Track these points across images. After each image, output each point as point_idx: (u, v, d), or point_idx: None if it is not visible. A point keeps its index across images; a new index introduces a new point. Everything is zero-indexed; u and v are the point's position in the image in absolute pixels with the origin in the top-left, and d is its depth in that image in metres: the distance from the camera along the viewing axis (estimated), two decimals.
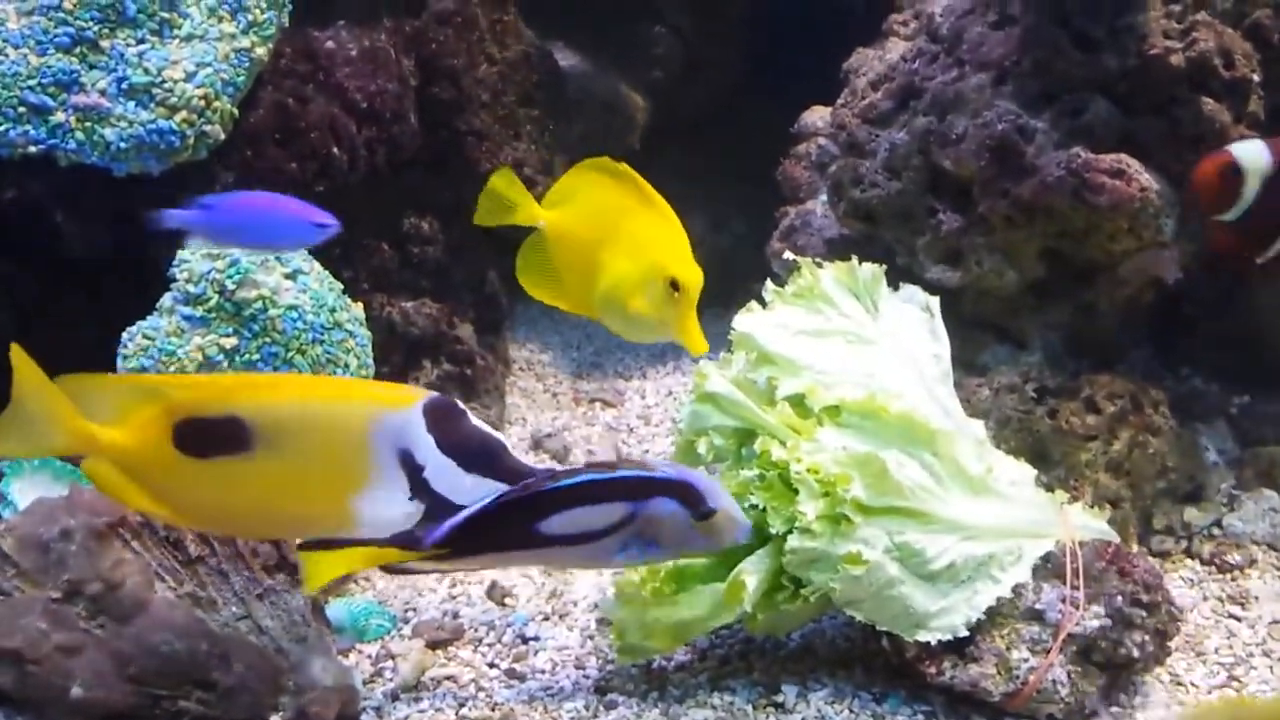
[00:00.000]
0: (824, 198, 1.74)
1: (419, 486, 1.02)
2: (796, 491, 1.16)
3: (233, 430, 0.99)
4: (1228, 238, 1.37)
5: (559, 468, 1.14)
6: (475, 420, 1.03)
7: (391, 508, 1.02)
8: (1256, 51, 1.49)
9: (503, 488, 1.05)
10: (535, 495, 1.06)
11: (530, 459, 1.77)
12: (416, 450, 1.00)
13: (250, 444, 0.99)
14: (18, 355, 0.99)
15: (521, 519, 1.07)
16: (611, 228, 1.14)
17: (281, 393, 1.01)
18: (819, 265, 1.32)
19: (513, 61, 2.07)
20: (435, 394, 1.03)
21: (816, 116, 1.88)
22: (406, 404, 1.00)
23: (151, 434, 1.00)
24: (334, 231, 1.19)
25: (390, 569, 1.11)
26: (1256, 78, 1.47)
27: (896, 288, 1.34)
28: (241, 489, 1.01)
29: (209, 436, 0.99)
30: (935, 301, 1.34)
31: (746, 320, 1.28)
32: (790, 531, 1.15)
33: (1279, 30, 1.51)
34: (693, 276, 1.12)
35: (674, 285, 1.11)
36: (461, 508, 1.05)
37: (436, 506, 1.03)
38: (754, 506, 1.19)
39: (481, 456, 1.02)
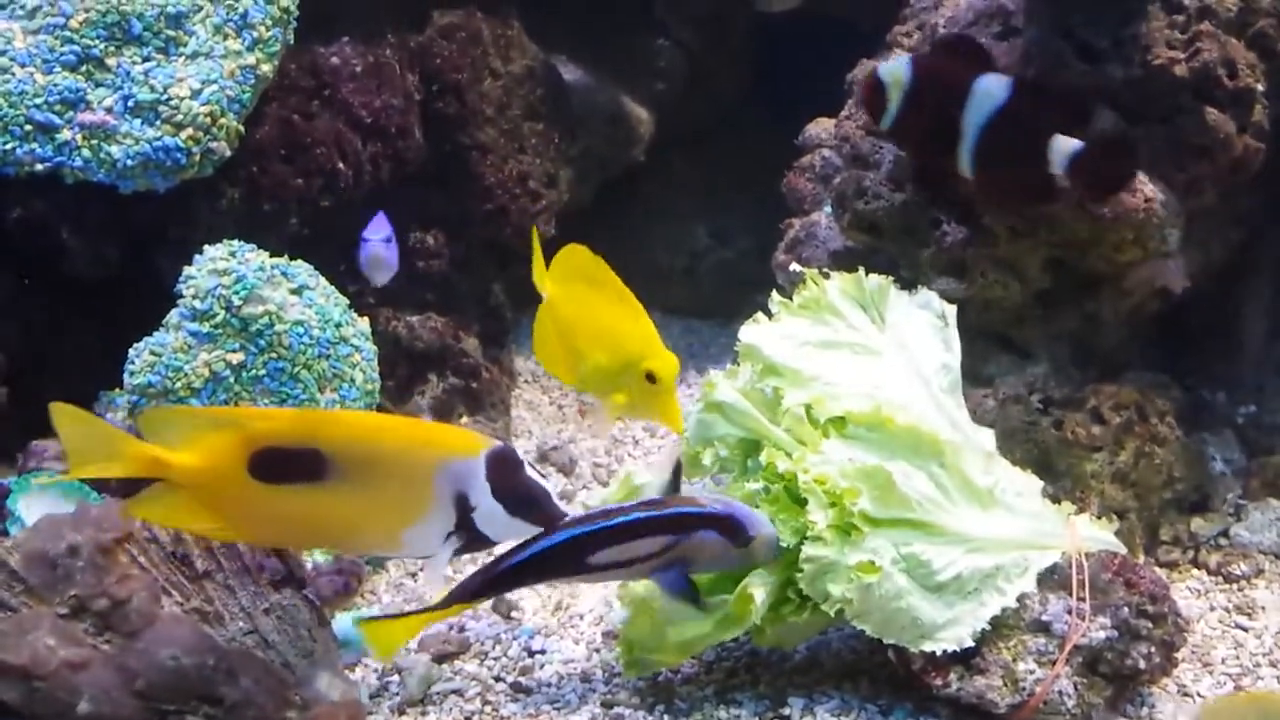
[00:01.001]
0: (828, 210, 1.74)
1: (465, 524, 1.10)
2: (804, 503, 1.16)
3: (312, 460, 1.07)
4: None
5: (612, 507, 1.19)
6: (530, 470, 1.11)
7: (432, 539, 1.10)
8: (1260, 61, 1.49)
9: (536, 529, 1.12)
10: (590, 535, 1.15)
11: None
12: (472, 494, 1.09)
13: (325, 474, 1.07)
14: (57, 410, 1.07)
15: (573, 555, 1.16)
16: (588, 318, 1.23)
17: (360, 430, 1.10)
18: (826, 276, 1.32)
19: (517, 75, 2.08)
20: (500, 444, 1.11)
21: (820, 129, 1.88)
22: (473, 452, 1.09)
23: (227, 460, 1.08)
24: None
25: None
26: (1260, 87, 1.47)
27: (914, 291, 1.35)
28: (305, 513, 1.09)
29: (287, 465, 1.08)
30: (951, 310, 1.33)
31: (752, 331, 1.28)
32: (800, 543, 1.15)
33: None
34: (667, 367, 1.20)
35: (650, 377, 1.19)
36: (494, 543, 1.13)
37: (473, 541, 1.11)
38: None
39: (527, 502, 1.10)
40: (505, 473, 1.09)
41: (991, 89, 1.38)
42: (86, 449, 1.08)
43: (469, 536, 1.10)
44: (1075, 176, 1.36)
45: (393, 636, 1.17)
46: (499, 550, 1.19)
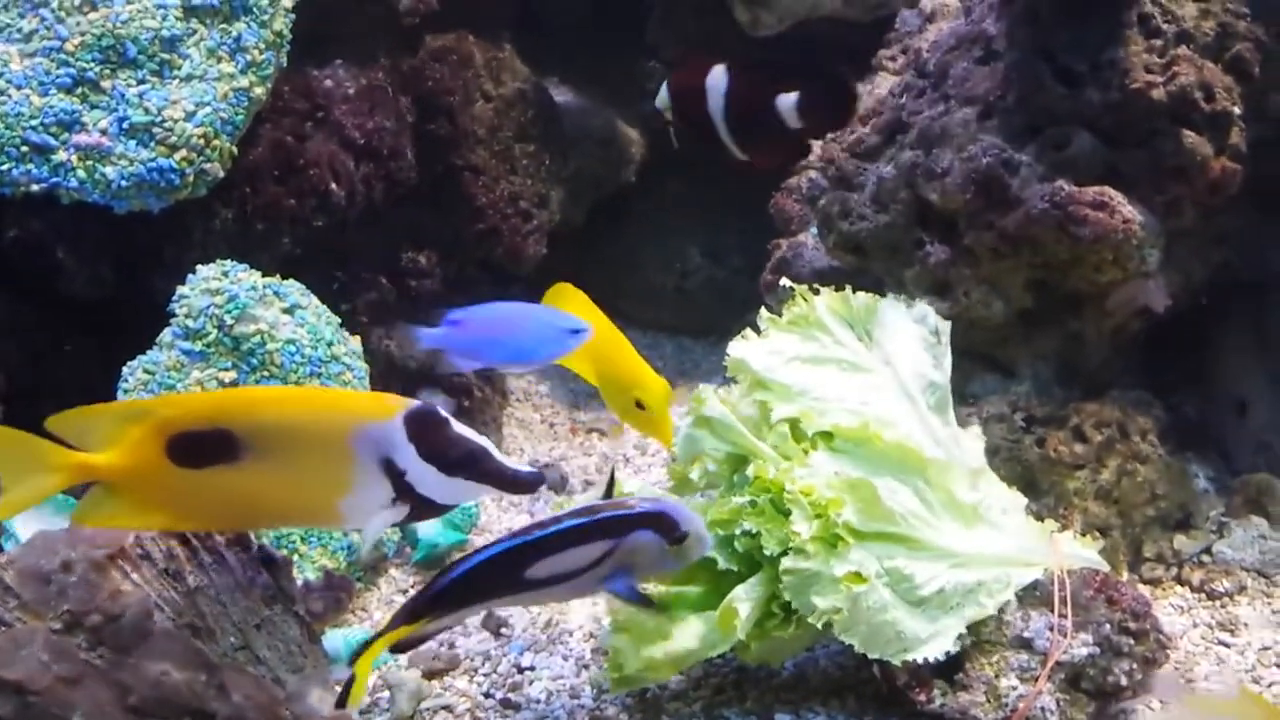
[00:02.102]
0: (814, 230, 1.77)
1: (402, 489, 1.07)
2: (789, 514, 1.17)
3: (223, 441, 1.05)
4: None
5: (544, 518, 1.19)
6: (458, 427, 1.08)
7: (375, 509, 1.08)
8: (1238, 84, 1.51)
9: (483, 488, 1.09)
10: (521, 547, 1.14)
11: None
12: (397, 457, 1.06)
13: (240, 454, 1.05)
14: None
15: (508, 570, 1.14)
16: (591, 349, 1.28)
17: (267, 406, 1.08)
18: (815, 293, 1.33)
19: (509, 98, 2.10)
20: (417, 403, 1.08)
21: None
22: (387, 415, 1.06)
23: (146, 452, 1.06)
24: (587, 338, 1.25)
25: (399, 648, 1.19)
26: (1237, 110, 1.49)
27: (911, 303, 1.35)
28: (235, 494, 1.07)
29: (200, 448, 1.06)
30: (945, 326, 1.34)
31: (741, 347, 1.29)
32: (784, 554, 1.16)
33: (1260, 63, 1.53)
34: (654, 395, 1.28)
35: (639, 405, 1.28)
36: (444, 507, 1.11)
37: (420, 507, 1.09)
38: (746, 532, 1.20)
39: (464, 460, 1.07)
40: (427, 432, 1.06)
41: (716, 82, 1.61)
42: (18, 469, 1.07)
43: (412, 502, 1.08)
44: (805, 119, 1.58)
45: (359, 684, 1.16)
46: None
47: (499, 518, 1.70)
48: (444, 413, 1.09)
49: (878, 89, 1.77)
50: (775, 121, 1.58)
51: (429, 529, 1.58)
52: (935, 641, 1.18)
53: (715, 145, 1.65)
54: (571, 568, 1.14)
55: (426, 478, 1.06)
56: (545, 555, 1.14)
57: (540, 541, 1.14)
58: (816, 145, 1.83)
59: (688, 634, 1.22)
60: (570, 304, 1.29)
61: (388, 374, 1.80)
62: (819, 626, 1.15)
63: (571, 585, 1.16)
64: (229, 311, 1.48)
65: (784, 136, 1.60)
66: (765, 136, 1.62)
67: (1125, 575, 1.46)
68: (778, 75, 1.60)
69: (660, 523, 1.14)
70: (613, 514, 1.15)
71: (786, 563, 1.15)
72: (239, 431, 1.05)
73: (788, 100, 1.57)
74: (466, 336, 1.25)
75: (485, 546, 1.16)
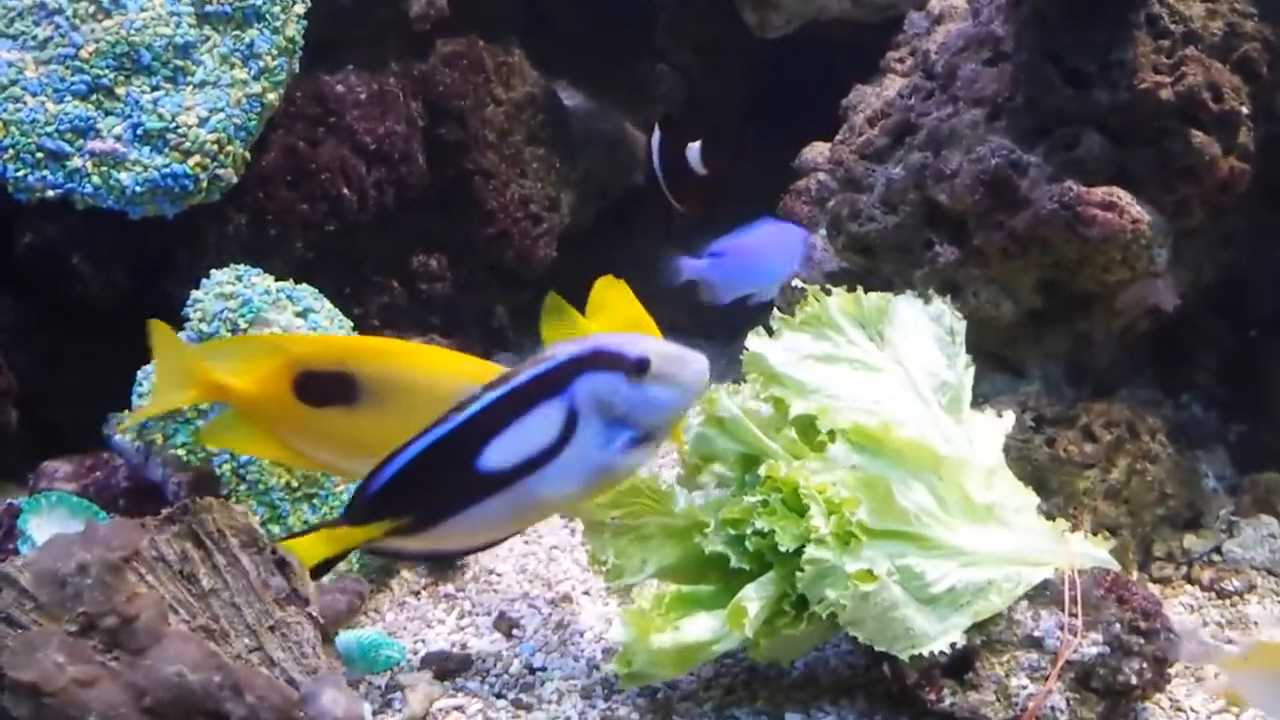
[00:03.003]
0: (824, 232, 1.77)
1: None
2: (805, 509, 1.17)
3: (344, 384, 1.12)
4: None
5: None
6: None
7: None
8: (1246, 84, 1.51)
9: None
10: (450, 430, 1.04)
11: None
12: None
13: (357, 398, 1.12)
14: (155, 326, 1.18)
15: (456, 461, 1.04)
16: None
17: (388, 357, 1.14)
18: (827, 293, 1.34)
19: (518, 102, 2.12)
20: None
21: (816, 152, 1.91)
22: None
23: (275, 384, 1.15)
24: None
25: (374, 550, 1.15)
26: (1245, 110, 1.49)
27: (928, 300, 1.34)
28: (346, 435, 1.14)
29: (324, 388, 1.13)
30: (961, 326, 1.33)
31: (758, 342, 1.29)
32: (800, 549, 1.16)
33: (1267, 63, 1.53)
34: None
35: None
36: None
37: None
38: (758, 531, 1.20)
39: None
40: None
41: (654, 139, 1.93)
42: (166, 375, 1.17)
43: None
44: (707, 164, 1.87)
45: (312, 552, 1.13)
46: None
47: None
48: None
49: (886, 91, 1.77)
50: (686, 166, 1.89)
51: None
52: (944, 637, 1.19)
53: (663, 196, 1.95)
54: (538, 445, 1.04)
55: None
56: (491, 435, 1.04)
57: (473, 421, 1.03)
58: (824, 147, 1.84)
59: (698, 629, 1.22)
60: (615, 297, 1.29)
61: None
62: (824, 617, 1.16)
63: (567, 471, 1.04)
64: (243, 315, 1.49)
65: (693, 178, 1.90)
66: (683, 183, 1.91)
67: (1135, 574, 1.46)
68: (691, 130, 1.92)
69: (601, 359, 1.04)
70: (532, 371, 1.04)
71: (810, 552, 1.15)
72: (360, 377, 1.11)
73: (693, 149, 1.89)
74: (728, 267, 1.28)
75: (407, 444, 1.04)
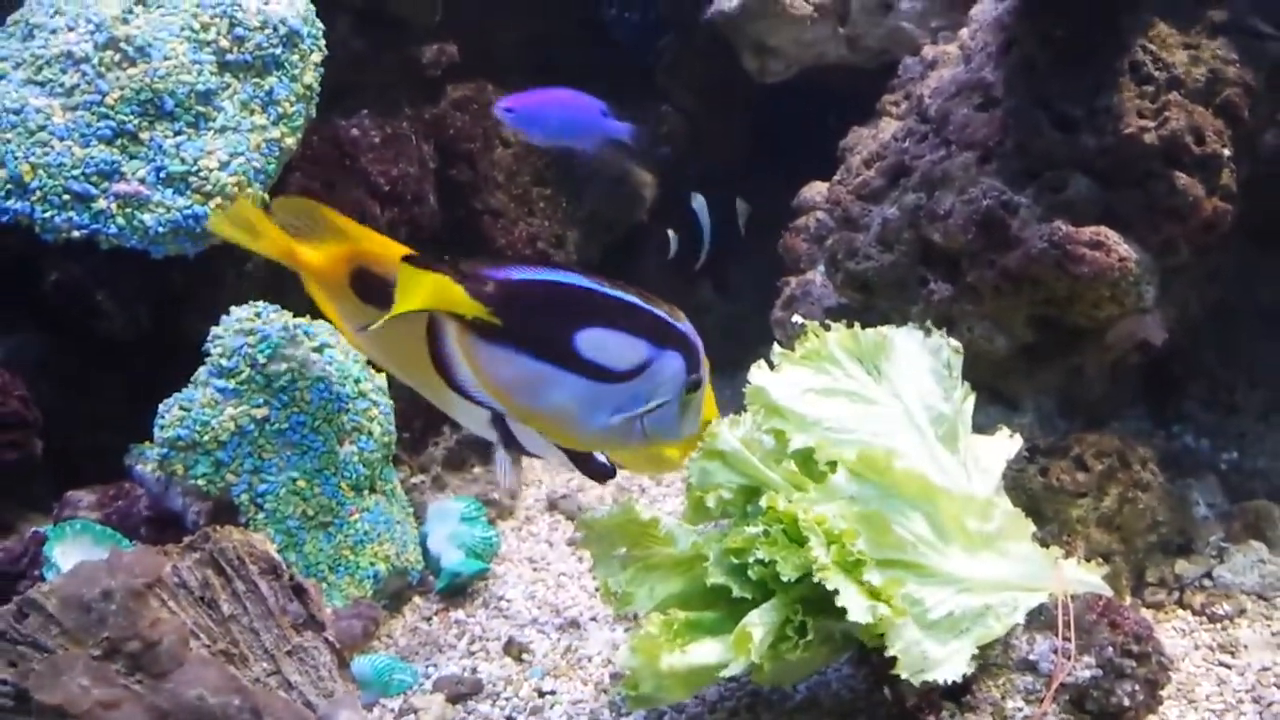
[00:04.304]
0: (822, 269, 1.82)
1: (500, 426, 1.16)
2: (804, 541, 1.20)
3: (389, 292, 1.10)
4: None
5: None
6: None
7: (472, 411, 1.15)
8: (1228, 127, 1.56)
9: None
10: (592, 290, 1.07)
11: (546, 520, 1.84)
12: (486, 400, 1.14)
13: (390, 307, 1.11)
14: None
15: (568, 314, 1.06)
16: None
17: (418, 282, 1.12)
18: (826, 329, 1.38)
19: (526, 144, 2.18)
20: None
21: (815, 192, 1.96)
22: None
23: (336, 268, 1.23)
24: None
25: (432, 328, 1.10)
26: (1227, 152, 1.54)
27: (928, 332, 1.37)
28: (381, 336, 1.18)
29: (369, 287, 1.19)
30: (958, 360, 1.36)
31: (760, 375, 1.31)
32: (801, 578, 1.20)
33: (1248, 107, 1.58)
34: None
35: None
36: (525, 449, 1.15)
37: (504, 430, 1.16)
38: (760, 561, 1.24)
39: (507, 441, 1.19)
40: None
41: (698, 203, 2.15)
42: (247, 224, 1.25)
43: (502, 428, 1.12)
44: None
45: (415, 296, 1.08)
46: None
47: (518, 547, 1.75)
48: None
49: (881, 133, 1.82)
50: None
51: (451, 558, 1.63)
52: (949, 663, 1.22)
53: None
54: (609, 361, 1.06)
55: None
56: (602, 323, 1.06)
57: (605, 299, 1.06)
58: (823, 186, 1.89)
59: (704, 654, 1.25)
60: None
61: (412, 407, 1.85)
62: (838, 638, 1.18)
63: (600, 398, 1.06)
64: (261, 350, 1.53)
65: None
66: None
67: (1128, 599, 1.50)
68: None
69: (691, 352, 1.08)
70: (663, 315, 1.08)
71: (828, 576, 1.17)
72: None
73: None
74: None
75: (553, 267, 1.07)
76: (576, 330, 1.07)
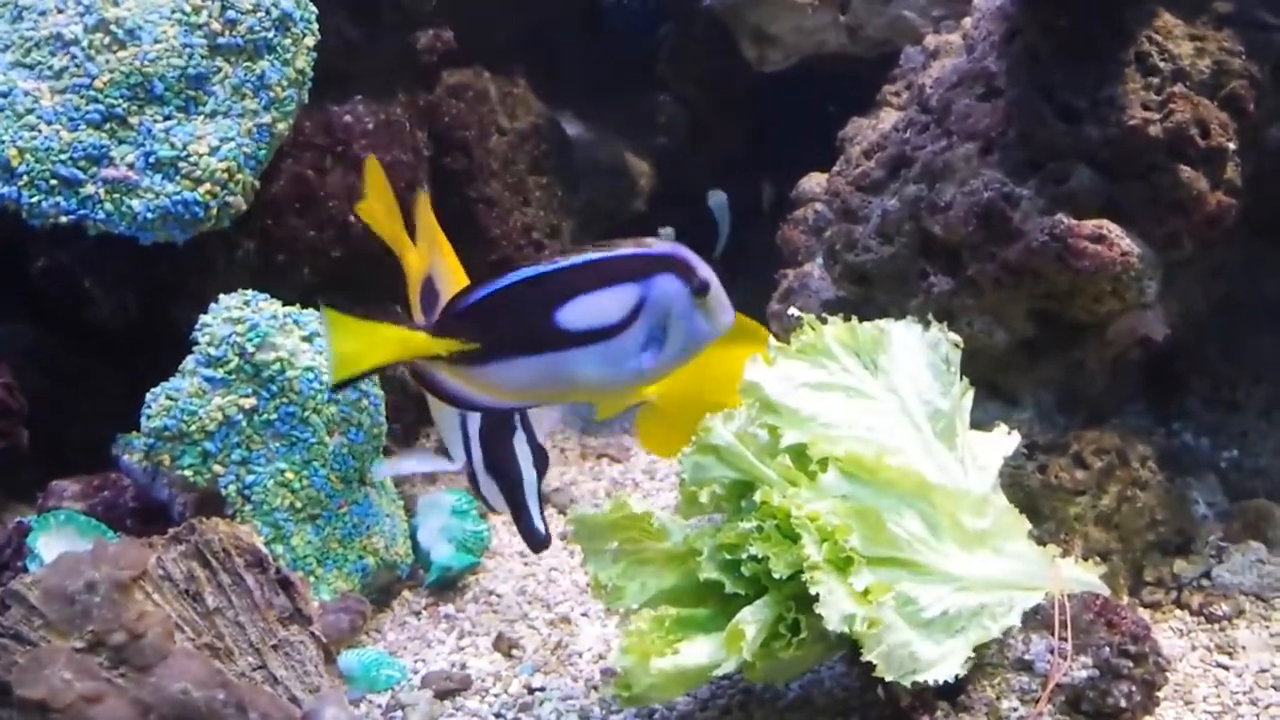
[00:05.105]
0: (820, 261, 1.80)
1: (466, 448, 1.19)
2: (797, 538, 1.19)
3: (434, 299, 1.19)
4: None
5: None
6: (517, 441, 1.14)
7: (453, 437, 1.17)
8: (1233, 120, 1.54)
9: (505, 505, 1.15)
10: (548, 273, 1.06)
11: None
12: (468, 423, 1.18)
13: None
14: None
15: (538, 305, 1.06)
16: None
17: None
18: (823, 322, 1.36)
19: (522, 132, 2.16)
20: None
21: (813, 183, 1.94)
22: None
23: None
24: None
25: (418, 374, 1.10)
26: (1232, 146, 1.51)
27: (927, 326, 1.35)
28: None
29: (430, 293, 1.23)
30: (956, 355, 1.35)
31: (754, 370, 1.30)
32: (794, 575, 1.18)
33: (1254, 100, 1.56)
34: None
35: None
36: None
37: (470, 473, 1.18)
38: (753, 557, 1.22)
39: (501, 472, 1.19)
40: (495, 422, 1.09)
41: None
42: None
43: (469, 470, 1.14)
44: None
45: (355, 360, 1.07)
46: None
47: (509, 541, 1.73)
48: (516, 420, 1.11)
49: (882, 124, 1.80)
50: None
51: (441, 552, 1.62)
52: (943, 664, 1.20)
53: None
54: (605, 320, 1.06)
55: (479, 462, 1.13)
56: (576, 293, 1.05)
57: (567, 272, 1.05)
58: (822, 178, 1.87)
59: (696, 652, 1.24)
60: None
61: (402, 400, 1.84)
62: (834, 637, 1.16)
63: (612, 351, 1.06)
64: (250, 339, 1.51)
65: None
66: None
67: (1126, 599, 1.48)
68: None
69: (681, 266, 1.07)
70: (631, 251, 1.06)
71: (810, 577, 1.16)
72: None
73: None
74: None
75: (503, 274, 1.07)
76: (554, 311, 1.07)
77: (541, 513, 1.13)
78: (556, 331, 1.07)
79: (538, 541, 1.10)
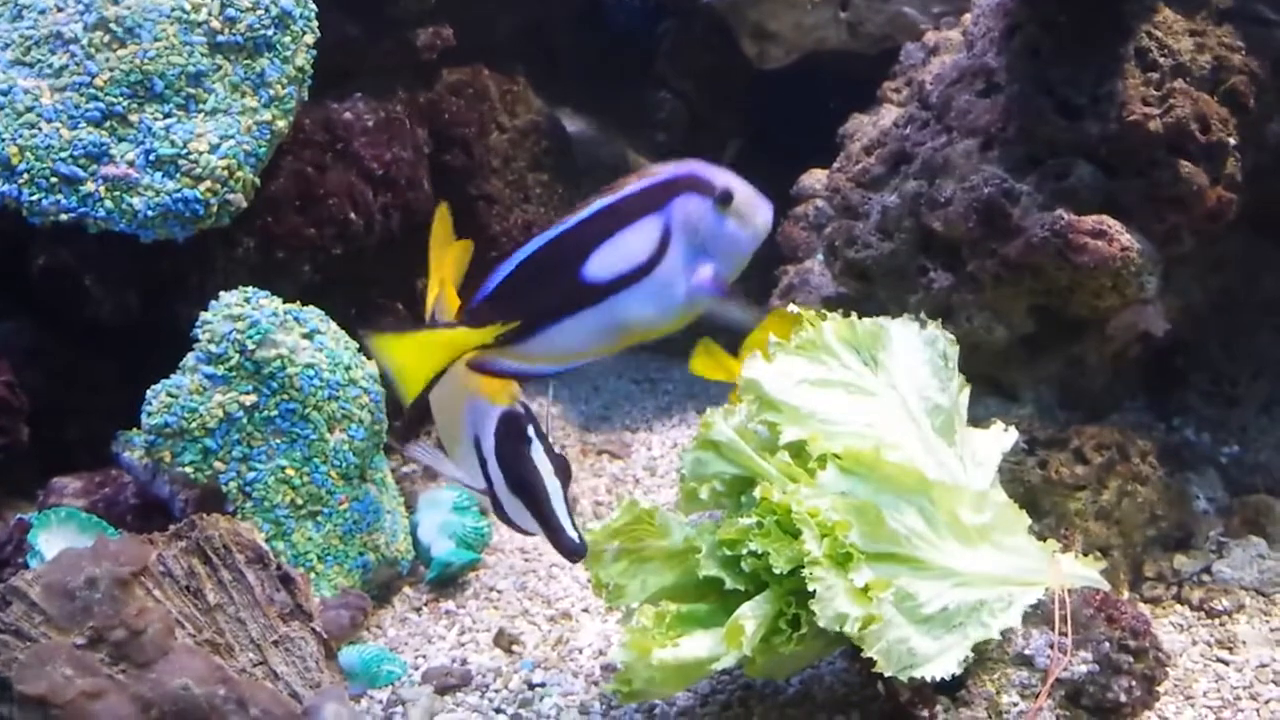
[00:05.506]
0: (821, 257, 1.80)
1: (484, 471, 1.11)
2: (797, 533, 1.19)
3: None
4: None
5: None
6: (536, 453, 1.07)
7: (468, 465, 1.12)
8: (1233, 115, 1.53)
9: (534, 524, 1.10)
10: (562, 233, 1.05)
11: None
12: (483, 443, 1.11)
13: None
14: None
15: (564, 266, 1.04)
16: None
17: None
18: (822, 318, 1.36)
19: (522, 129, 2.16)
20: (514, 409, 1.09)
21: (814, 179, 1.94)
22: (494, 402, 1.11)
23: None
24: None
25: (477, 366, 1.09)
26: (1233, 141, 1.51)
27: (923, 325, 1.36)
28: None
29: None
30: (954, 351, 1.35)
31: (753, 366, 1.30)
32: (794, 570, 1.18)
33: (1254, 95, 1.56)
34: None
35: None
36: (517, 525, 1.12)
37: (492, 497, 1.11)
38: (753, 553, 1.22)
39: (523, 487, 1.10)
40: (509, 438, 1.06)
41: None
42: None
43: (490, 495, 1.08)
44: None
45: (418, 374, 1.07)
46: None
47: (510, 537, 1.73)
48: (532, 431, 1.07)
49: (882, 120, 1.80)
50: None
51: (442, 548, 1.62)
52: (941, 660, 1.20)
53: None
54: (635, 260, 1.04)
55: (498, 480, 1.08)
56: (596, 244, 1.03)
57: (581, 227, 1.04)
58: (822, 174, 1.87)
59: (696, 647, 1.24)
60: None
61: None
62: (833, 634, 1.17)
63: (654, 291, 1.04)
64: (250, 336, 1.52)
65: None
66: None
67: (1126, 594, 1.48)
68: None
69: (695, 183, 1.04)
70: (641, 185, 1.04)
71: (809, 573, 1.16)
72: None
73: None
74: None
75: (519, 247, 1.06)
76: (580, 268, 1.05)
77: (573, 521, 1.10)
78: (588, 286, 1.05)
79: (574, 551, 1.08)
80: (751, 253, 1.11)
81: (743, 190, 1.07)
